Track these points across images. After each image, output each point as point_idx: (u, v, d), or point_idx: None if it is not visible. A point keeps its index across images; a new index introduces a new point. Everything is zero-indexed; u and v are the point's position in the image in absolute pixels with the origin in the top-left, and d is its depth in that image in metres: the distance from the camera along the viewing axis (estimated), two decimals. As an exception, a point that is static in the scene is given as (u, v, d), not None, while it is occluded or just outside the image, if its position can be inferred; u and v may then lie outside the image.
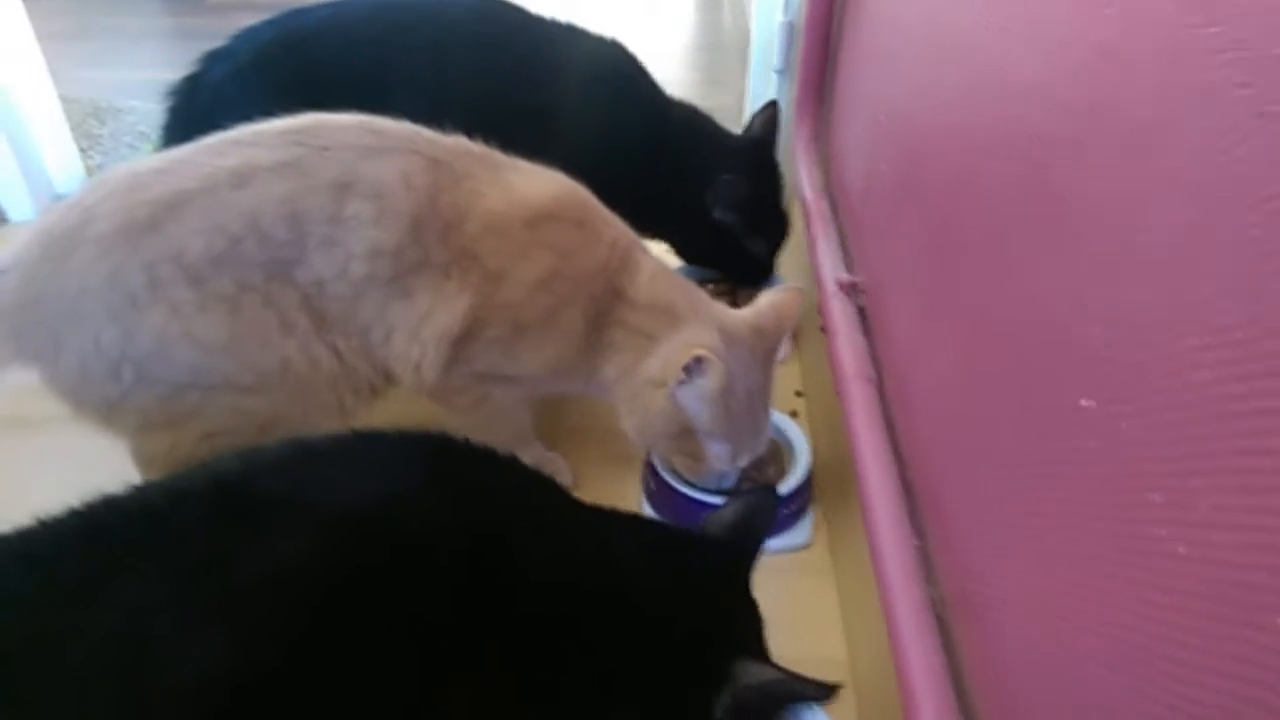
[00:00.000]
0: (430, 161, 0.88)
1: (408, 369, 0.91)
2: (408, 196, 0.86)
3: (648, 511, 1.08)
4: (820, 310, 1.09)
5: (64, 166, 1.78)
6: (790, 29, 1.56)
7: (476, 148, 0.94)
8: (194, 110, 1.18)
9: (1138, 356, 0.44)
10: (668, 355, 0.92)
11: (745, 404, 0.93)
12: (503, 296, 0.90)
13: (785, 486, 1.04)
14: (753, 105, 1.42)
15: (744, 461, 1.00)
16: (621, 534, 0.69)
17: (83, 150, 1.87)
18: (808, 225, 1.24)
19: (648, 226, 1.25)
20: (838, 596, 1.00)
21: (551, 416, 1.20)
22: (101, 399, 0.84)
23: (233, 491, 0.56)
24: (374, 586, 0.53)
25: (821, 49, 1.35)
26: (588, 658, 0.59)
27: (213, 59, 1.21)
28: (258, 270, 0.83)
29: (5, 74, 1.63)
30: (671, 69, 2.57)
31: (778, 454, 1.13)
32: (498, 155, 0.95)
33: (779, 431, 1.13)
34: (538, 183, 0.93)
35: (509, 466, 0.66)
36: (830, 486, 1.11)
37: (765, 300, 1.01)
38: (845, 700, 0.87)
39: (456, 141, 0.93)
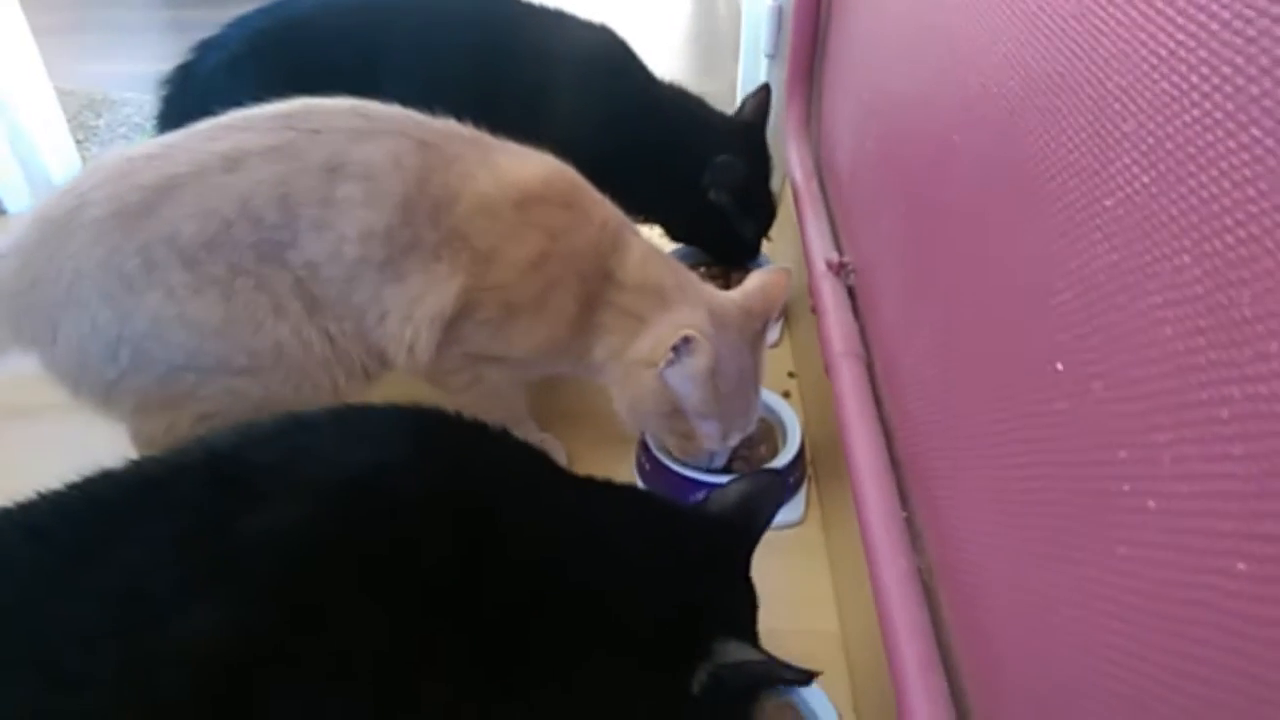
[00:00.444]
0: (420, 144, 0.89)
1: (401, 351, 0.92)
2: (398, 178, 0.87)
3: (641, 490, 1.09)
4: (810, 290, 1.10)
5: (61, 158, 1.78)
6: (779, 13, 1.57)
7: (466, 130, 0.95)
8: (187, 99, 1.19)
9: (1106, 318, 0.45)
10: (657, 336, 0.93)
11: (735, 383, 0.94)
12: (493, 278, 0.91)
13: (777, 464, 1.05)
14: (744, 90, 1.43)
15: (734, 440, 1.01)
16: (611, 507, 0.69)
17: (79, 142, 1.88)
18: (798, 207, 1.25)
19: (638, 208, 1.26)
20: (830, 572, 1.01)
21: (546, 399, 1.21)
22: (99, 381, 0.85)
23: (228, 461, 0.57)
24: (364, 551, 0.54)
25: (810, 32, 1.35)
26: (567, 626, 0.60)
27: (205, 48, 1.22)
28: (250, 253, 0.84)
29: (0, 68, 1.63)
30: (667, 57, 2.57)
31: (770, 433, 1.14)
32: (487, 137, 0.96)
33: (771, 411, 1.14)
34: (527, 164, 0.94)
35: (499, 438, 0.67)
36: (822, 465, 1.12)
37: (753, 282, 1.01)
38: (838, 671, 0.89)
39: (446, 124, 0.94)
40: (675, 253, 1.43)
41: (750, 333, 0.97)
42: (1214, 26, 0.36)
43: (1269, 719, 0.32)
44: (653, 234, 1.34)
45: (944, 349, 0.72)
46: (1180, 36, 0.39)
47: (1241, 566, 0.34)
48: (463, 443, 0.65)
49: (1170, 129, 0.40)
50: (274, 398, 0.90)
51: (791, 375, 1.31)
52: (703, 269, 1.43)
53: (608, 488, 0.71)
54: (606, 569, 0.64)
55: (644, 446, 1.09)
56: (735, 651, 0.60)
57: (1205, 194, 0.37)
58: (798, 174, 1.31)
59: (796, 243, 1.22)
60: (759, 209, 1.41)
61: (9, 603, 0.50)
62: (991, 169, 0.62)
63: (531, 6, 1.32)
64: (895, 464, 0.82)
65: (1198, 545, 0.37)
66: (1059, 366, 0.51)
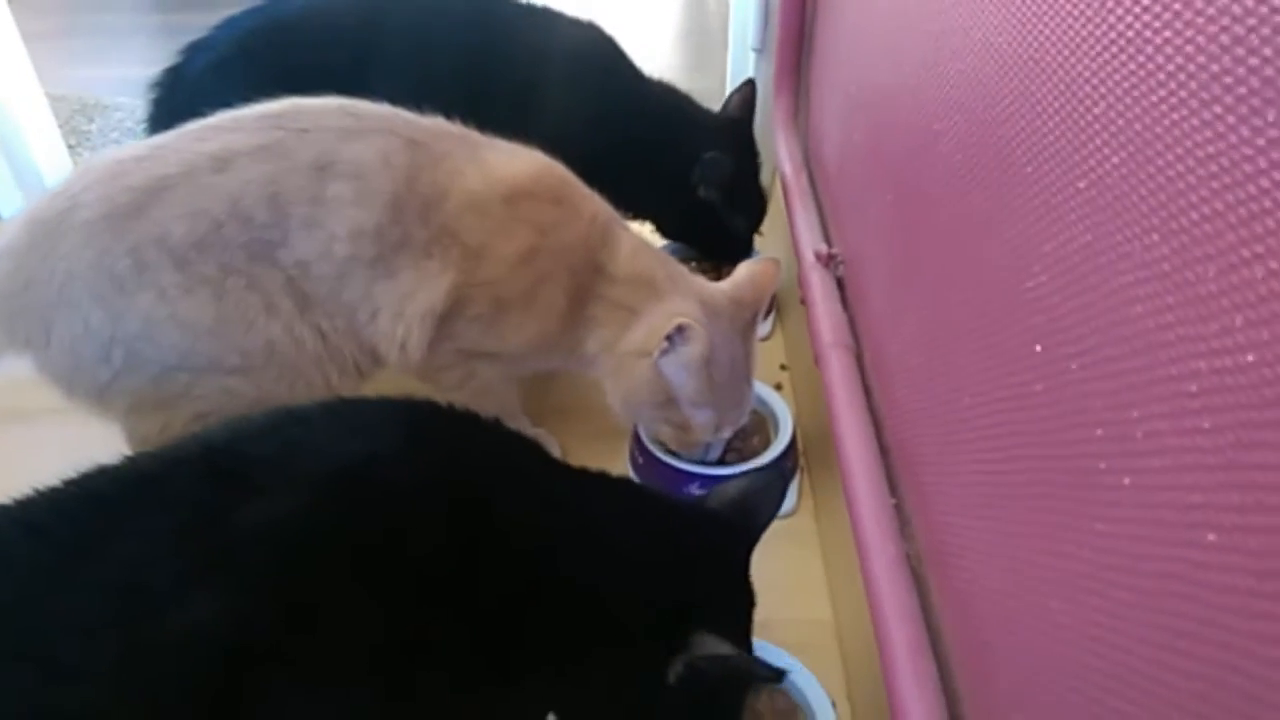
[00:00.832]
0: (408, 141, 0.89)
1: (393, 348, 0.93)
2: (387, 176, 0.87)
3: (634, 485, 1.09)
4: (800, 282, 1.11)
5: (53, 163, 1.79)
6: (766, 8, 1.57)
7: (454, 127, 0.95)
8: (176, 101, 1.19)
9: (1081, 299, 0.46)
10: (650, 326, 0.94)
11: (728, 372, 0.95)
12: (484, 274, 0.91)
13: (769, 455, 1.06)
14: (733, 85, 1.44)
15: (728, 431, 1.02)
16: (605, 498, 0.70)
17: (71, 147, 1.89)
18: (787, 200, 1.26)
19: (628, 206, 1.27)
20: (823, 561, 1.02)
21: (538, 394, 1.21)
22: (92, 382, 0.86)
23: (223, 455, 0.58)
24: (358, 541, 0.55)
25: (797, 27, 1.36)
26: (559, 616, 0.61)
27: (194, 50, 1.23)
28: (240, 253, 0.85)
29: (-9, 74, 1.64)
30: (658, 54, 2.58)
31: (762, 425, 1.14)
32: (475, 134, 0.96)
33: (763, 403, 1.15)
34: (516, 161, 0.94)
35: (492, 429, 0.68)
36: (814, 456, 1.13)
37: (743, 272, 1.02)
38: (831, 658, 0.90)
39: (434, 122, 0.94)
40: (665, 250, 1.43)
41: (741, 322, 0.98)
42: (1177, 6, 0.37)
43: (1242, 688, 0.33)
44: (644, 232, 1.35)
45: (929, 336, 0.73)
46: (1146, 18, 0.39)
47: (1211, 537, 0.35)
48: (455, 433, 0.66)
49: (1138, 110, 0.40)
50: (267, 396, 0.90)
51: (783, 368, 1.31)
52: (693, 264, 1.43)
53: (602, 479, 0.72)
54: (599, 560, 0.64)
55: (637, 440, 1.10)
56: (710, 645, 0.60)
57: (1171, 172, 0.38)
58: (786, 167, 1.31)
59: (787, 236, 1.23)
60: (749, 204, 1.41)
61: (7, 598, 0.51)
62: (972, 156, 0.63)
63: (520, 5, 1.32)
64: (884, 452, 0.83)
65: (1170, 519, 0.38)
66: (1038, 349, 0.51)
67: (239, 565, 0.52)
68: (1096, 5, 0.44)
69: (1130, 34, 0.41)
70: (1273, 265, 0.31)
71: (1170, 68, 0.37)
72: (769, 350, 1.34)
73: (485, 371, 1.00)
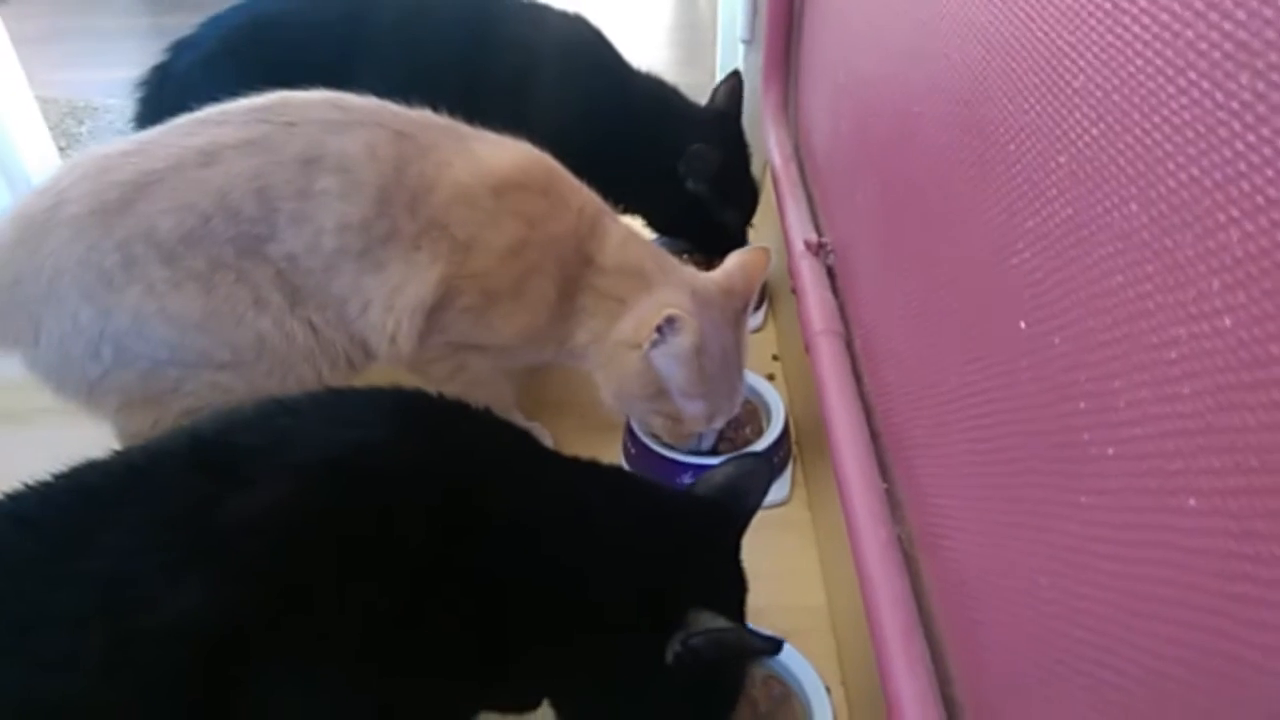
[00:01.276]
0: (395, 134, 0.89)
1: (383, 341, 0.93)
2: (374, 168, 0.87)
3: (628, 476, 1.09)
4: (790, 272, 1.11)
5: (44, 166, 1.78)
6: (755, -1, 1.57)
7: (441, 120, 0.95)
8: (163, 99, 1.19)
9: (1063, 273, 0.46)
10: (640, 317, 0.94)
11: (719, 362, 0.95)
12: (473, 265, 0.91)
13: (761, 444, 1.06)
14: (722, 77, 1.44)
15: (720, 422, 1.02)
16: (595, 485, 0.70)
17: (62, 149, 1.88)
18: (777, 190, 1.26)
19: (619, 199, 1.27)
20: (817, 549, 1.02)
21: (531, 388, 1.21)
22: (82, 379, 0.86)
23: (212, 446, 0.58)
24: (347, 529, 0.55)
25: (785, 17, 1.36)
26: (549, 602, 0.61)
27: (180, 47, 1.23)
28: (229, 247, 0.85)
29: (-21, 78, 1.64)
30: (650, 48, 2.58)
31: (754, 415, 1.14)
32: (463, 127, 0.96)
33: (755, 394, 1.15)
34: (503, 152, 0.94)
35: (482, 418, 0.68)
36: (807, 445, 1.13)
37: (732, 261, 1.02)
38: (825, 644, 0.90)
39: (421, 114, 0.94)
40: (659, 243, 1.43)
41: (732, 311, 0.98)
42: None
43: (1224, 651, 0.33)
44: (636, 226, 1.35)
45: (917, 319, 0.73)
46: (1122, -11, 0.40)
47: (1192, 502, 0.35)
48: (444, 422, 0.66)
49: (1116, 80, 0.40)
50: (258, 391, 0.90)
51: (775, 358, 1.31)
52: (685, 257, 1.43)
53: (592, 467, 0.72)
54: (589, 546, 0.64)
55: (630, 431, 1.10)
56: (706, 620, 0.60)
57: (1149, 141, 0.38)
58: (776, 158, 1.31)
59: (778, 227, 1.23)
60: (739, 196, 1.41)
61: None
62: (956, 138, 0.63)
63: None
64: (875, 437, 0.83)
65: (1152, 487, 0.38)
66: (1022, 325, 0.51)
67: (227, 555, 0.52)
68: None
69: (1107, 5, 0.41)
70: (1248, 228, 0.31)
71: (1147, 36, 0.38)
72: (761, 341, 1.35)
73: (476, 364, 1.00)
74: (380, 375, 1.00)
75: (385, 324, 0.92)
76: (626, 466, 1.11)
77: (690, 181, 1.33)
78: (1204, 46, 0.34)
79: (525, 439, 0.70)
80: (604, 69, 1.35)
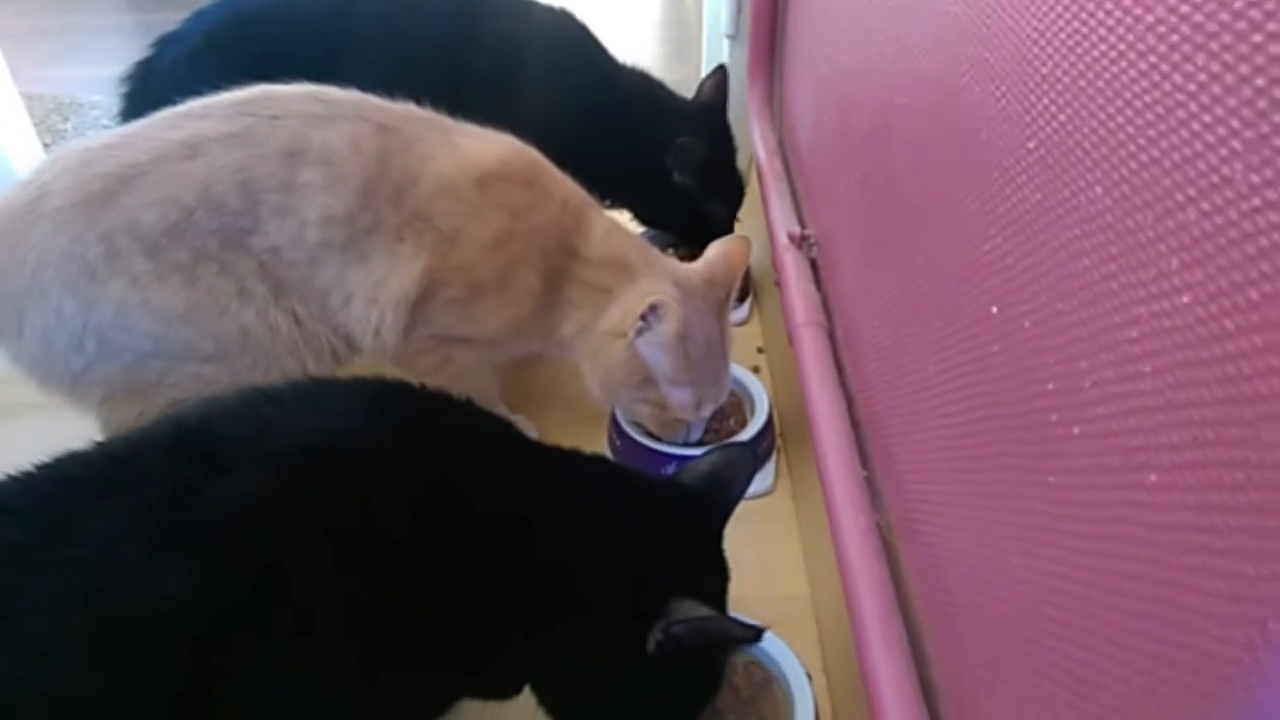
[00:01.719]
0: (379, 127, 0.90)
1: (368, 333, 0.93)
2: (357, 161, 0.87)
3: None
4: (774, 264, 1.11)
5: (29, 162, 1.78)
6: (740, -6, 1.58)
7: (425, 113, 0.96)
8: (148, 94, 1.19)
9: (1032, 257, 0.47)
10: (625, 306, 0.94)
11: (704, 349, 0.95)
12: (457, 258, 0.92)
13: (745, 435, 1.06)
14: (707, 72, 1.44)
15: (707, 410, 1.02)
16: (577, 474, 0.70)
17: (47, 145, 1.88)
18: (761, 184, 1.27)
19: (605, 192, 1.28)
20: (799, 538, 1.02)
21: (516, 380, 1.22)
22: (66, 372, 0.86)
23: (194, 435, 0.58)
24: (328, 515, 0.55)
25: (769, 12, 1.37)
26: (531, 589, 0.61)
27: (165, 43, 1.23)
28: (212, 239, 0.85)
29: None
30: (638, 45, 2.59)
31: (738, 406, 1.15)
32: (446, 120, 0.97)
33: (740, 385, 1.16)
34: (487, 144, 0.95)
35: (464, 408, 0.68)
36: (791, 436, 1.14)
37: (714, 251, 1.03)
38: (808, 632, 0.91)
39: (405, 107, 0.95)
40: (645, 237, 1.44)
41: (715, 300, 0.98)
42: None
43: (1183, 622, 0.34)
44: (623, 220, 1.35)
45: (896, 308, 0.74)
46: (1086, -24, 0.40)
47: (1153, 478, 0.36)
48: (426, 411, 0.66)
49: (1081, 65, 0.41)
50: (243, 383, 0.89)
51: (760, 351, 1.32)
52: (670, 251, 1.44)
53: (574, 456, 0.72)
54: (571, 534, 0.65)
55: (614, 423, 1.10)
56: (687, 609, 0.61)
57: (1112, 124, 0.38)
58: (761, 152, 1.32)
59: (763, 221, 1.24)
60: (725, 189, 1.42)
61: None
62: (932, 128, 0.64)
63: (491, -8, 1.33)
64: (856, 426, 0.84)
65: (1115, 464, 0.39)
66: (994, 310, 0.52)
67: (209, 542, 0.52)
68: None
69: (1072, -7, 0.41)
70: (1204, 207, 0.32)
71: (1110, 21, 0.38)
72: (746, 334, 1.35)
73: (461, 356, 1.01)
74: (366, 369, 1.00)
75: (369, 316, 0.92)
76: (611, 458, 1.11)
77: (677, 174, 1.34)
78: (1163, 30, 0.34)
79: (508, 429, 0.70)
80: (590, 63, 1.35)
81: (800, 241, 1.09)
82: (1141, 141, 0.36)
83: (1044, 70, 0.45)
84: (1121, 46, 0.37)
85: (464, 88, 1.13)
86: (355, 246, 0.89)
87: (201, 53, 1.20)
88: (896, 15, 0.73)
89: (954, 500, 0.60)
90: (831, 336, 0.95)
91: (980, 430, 0.55)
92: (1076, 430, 0.42)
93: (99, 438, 0.92)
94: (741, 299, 1.40)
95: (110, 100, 2.09)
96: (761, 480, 1.08)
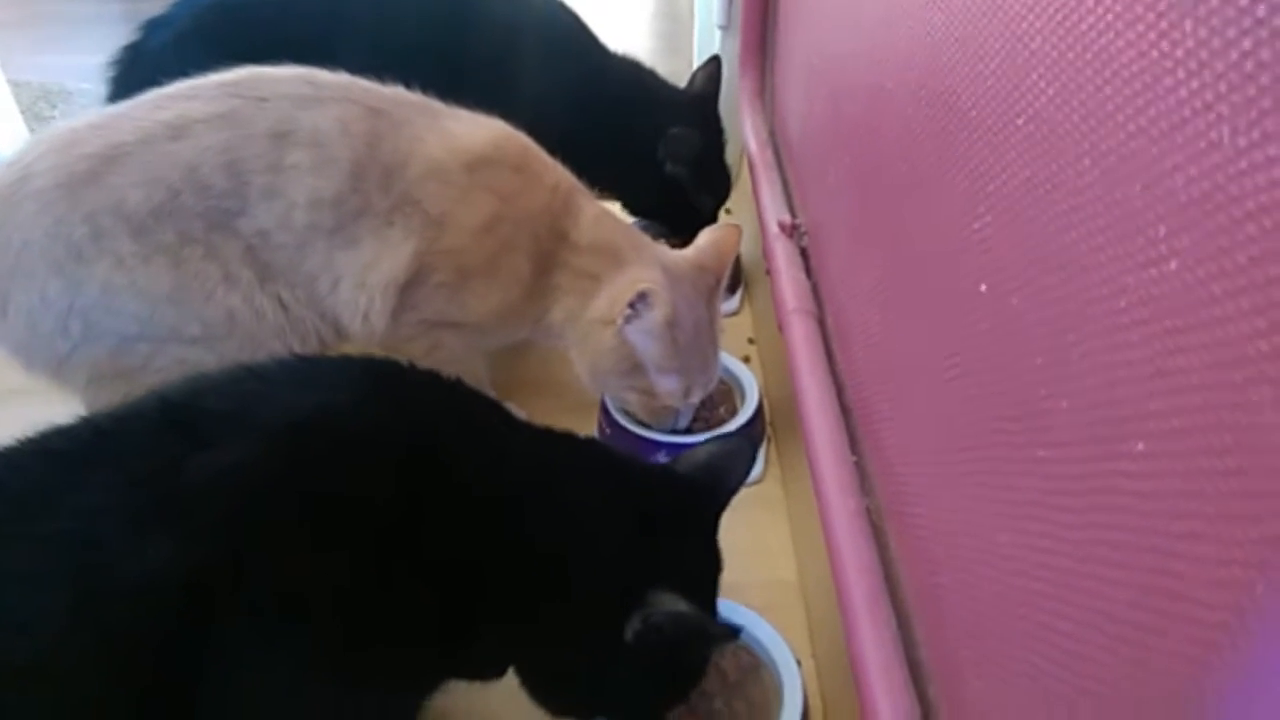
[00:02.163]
0: (368, 110, 0.89)
1: (356, 318, 0.93)
2: (346, 144, 0.87)
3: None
4: (764, 253, 1.11)
5: (15, 148, 1.76)
6: (732, -15, 1.58)
7: (414, 96, 0.95)
8: (135, 78, 1.17)
9: (1021, 232, 0.47)
10: (613, 294, 0.94)
11: (692, 337, 0.95)
12: (446, 242, 0.91)
13: (736, 422, 1.06)
14: (699, 63, 1.44)
15: (696, 397, 1.02)
16: (566, 456, 0.70)
17: (34, 132, 1.86)
18: (753, 175, 1.26)
19: (596, 181, 1.27)
20: (789, 526, 1.02)
21: (507, 368, 1.21)
22: (51, 354, 0.85)
23: (178, 409, 0.58)
24: (311, 492, 0.55)
25: (761, 2, 1.37)
26: (514, 570, 0.61)
27: (152, 26, 1.21)
28: (198, 221, 0.84)
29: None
30: (631, 37, 2.58)
31: (728, 395, 1.15)
32: (435, 103, 0.96)
33: (730, 374, 1.16)
34: (476, 128, 0.94)
35: (452, 387, 0.67)
36: (781, 425, 1.14)
37: (704, 238, 1.03)
38: (797, 618, 0.91)
39: (394, 91, 0.94)
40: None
41: (704, 287, 0.98)
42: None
43: (1169, 589, 0.34)
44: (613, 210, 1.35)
45: (886, 291, 0.74)
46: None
47: (1140, 446, 0.36)
48: (413, 388, 0.66)
49: (1070, 39, 0.41)
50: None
51: (751, 342, 1.32)
52: (662, 241, 1.43)
53: (565, 438, 0.71)
54: (558, 516, 0.64)
55: (604, 410, 1.10)
56: (667, 602, 0.60)
57: (1100, 96, 0.38)
58: (752, 143, 1.32)
59: (753, 213, 1.24)
60: (715, 181, 1.41)
61: None
62: (922, 110, 0.63)
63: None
64: (845, 413, 0.84)
65: (1103, 435, 0.39)
66: (983, 288, 0.52)
67: (193, 515, 0.52)
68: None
69: (1062, -36, 0.41)
70: (1192, 172, 0.32)
71: (1099, -7, 0.38)
72: (736, 325, 1.35)
73: (451, 342, 1.00)
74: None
75: (358, 301, 0.91)
76: (603, 445, 1.11)
77: (669, 164, 1.33)
78: (1151, -2, 0.34)
79: (496, 408, 0.70)
80: (582, 53, 1.35)
81: (791, 230, 1.09)
82: (1130, 111, 0.36)
83: (1033, 46, 0.45)
84: (1109, 17, 0.37)
85: (455, 76, 1.12)
86: (344, 230, 0.88)
87: (189, 36, 1.19)
88: (887, 2, 0.73)
89: (943, 481, 0.60)
90: (821, 324, 0.95)
91: (970, 409, 0.55)
92: (1065, 404, 0.42)
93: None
94: (732, 290, 1.40)
95: (98, 88, 2.08)
96: (752, 468, 1.07)
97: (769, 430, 1.14)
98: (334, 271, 0.90)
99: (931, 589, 0.62)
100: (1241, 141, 0.29)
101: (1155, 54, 0.34)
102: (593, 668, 0.65)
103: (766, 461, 1.10)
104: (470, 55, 1.25)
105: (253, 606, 0.52)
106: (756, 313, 1.37)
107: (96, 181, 0.81)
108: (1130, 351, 0.36)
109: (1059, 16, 0.42)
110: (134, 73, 1.20)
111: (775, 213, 1.12)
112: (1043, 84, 0.44)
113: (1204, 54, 0.31)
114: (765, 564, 0.98)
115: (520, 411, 1.09)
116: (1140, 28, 0.35)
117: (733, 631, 0.63)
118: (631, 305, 0.90)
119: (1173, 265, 0.33)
